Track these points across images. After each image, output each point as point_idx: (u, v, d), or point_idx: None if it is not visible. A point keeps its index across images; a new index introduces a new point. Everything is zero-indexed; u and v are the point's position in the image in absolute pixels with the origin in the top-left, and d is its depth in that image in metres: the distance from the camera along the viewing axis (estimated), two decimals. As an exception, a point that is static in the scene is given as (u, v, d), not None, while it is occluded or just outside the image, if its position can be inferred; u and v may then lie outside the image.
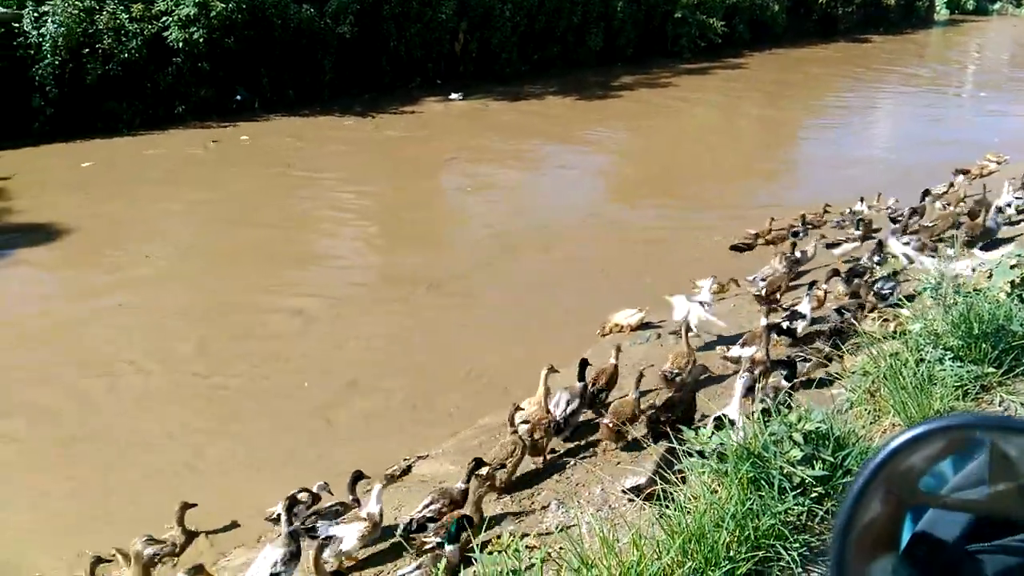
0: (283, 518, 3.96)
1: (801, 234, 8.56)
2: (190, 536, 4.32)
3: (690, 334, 5.62)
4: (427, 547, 3.89)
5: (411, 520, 4.14)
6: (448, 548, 3.69)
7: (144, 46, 13.15)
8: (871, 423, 4.03)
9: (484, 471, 4.21)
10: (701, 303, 6.23)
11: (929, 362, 4.17)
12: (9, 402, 5.89)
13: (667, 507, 3.07)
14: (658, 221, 9.91)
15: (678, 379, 5.23)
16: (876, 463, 0.82)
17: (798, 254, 7.60)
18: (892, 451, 0.81)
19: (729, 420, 3.88)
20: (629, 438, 4.61)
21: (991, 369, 4.31)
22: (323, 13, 14.86)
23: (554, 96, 16.57)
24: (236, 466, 5.18)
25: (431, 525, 4.05)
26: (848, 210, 9.28)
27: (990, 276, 4.90)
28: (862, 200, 9.38)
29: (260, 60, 14.40)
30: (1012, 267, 4.80)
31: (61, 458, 5.26)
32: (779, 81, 18.76)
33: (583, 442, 4.97)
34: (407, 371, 6.30)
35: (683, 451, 3.68)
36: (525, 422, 4.79)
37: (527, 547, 3.09)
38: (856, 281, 6.59)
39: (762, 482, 3.21)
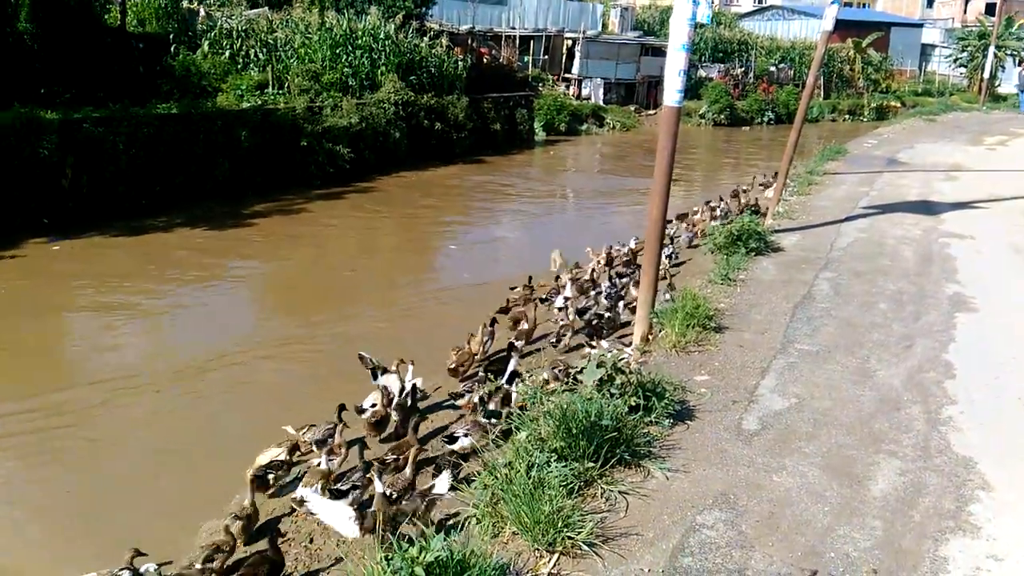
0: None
1: None
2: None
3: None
4: None
5: None
6: None
7: None
8: (493, 536, 4.25)
9: None
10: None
11: (539, 466, 4.53)
12: None
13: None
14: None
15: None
16: None
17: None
18: None
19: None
20: None
21: (591, 464, 4.80)
22: None
23: (183, 228, 15.90)
24: None
25: None
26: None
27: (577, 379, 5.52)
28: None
29: None
30: (598, 367, 5.46)
31: None
32: (406, 200, 19.89)
33: None
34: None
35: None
36: None
37: None
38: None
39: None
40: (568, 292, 10.06)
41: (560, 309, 9.58)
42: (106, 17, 20.87)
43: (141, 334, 10.60)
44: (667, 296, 8.92)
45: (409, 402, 6.76)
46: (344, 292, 12.67)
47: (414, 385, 7.02)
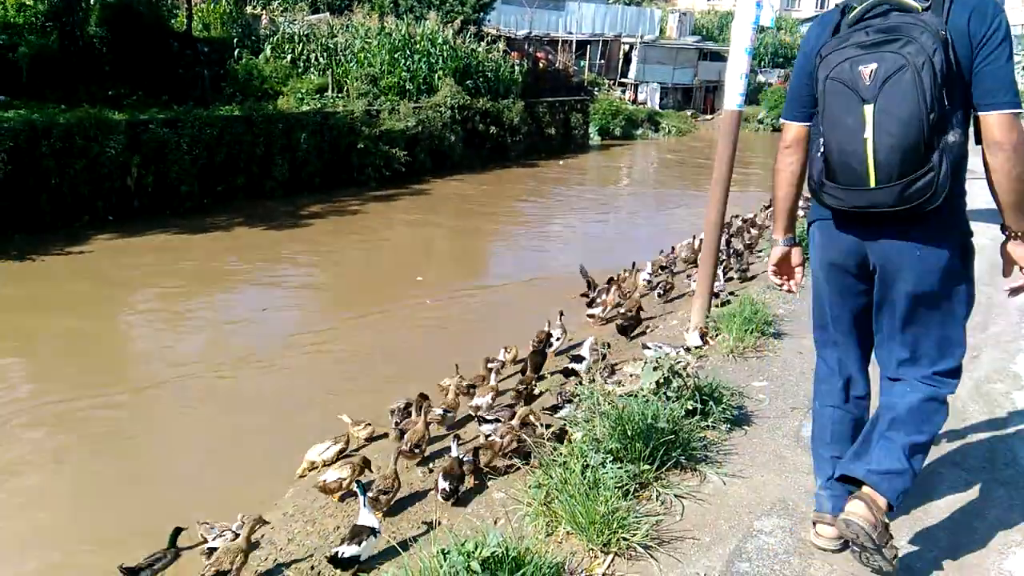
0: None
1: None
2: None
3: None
4: None
5: None
6: None
7: None
8: (547, 535, 4.24)
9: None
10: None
11: (594, 467, 4.50)
12: None
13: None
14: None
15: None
16: None
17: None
18: None
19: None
20: None
21: (646, 466, 4.76)
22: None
23: (243, 227, 16.27)
24: None
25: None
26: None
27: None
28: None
29: None
30: (654, 369, 5.42)
31: None
32: (461, 201, 20.08)
33: None
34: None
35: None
36: None
37: None
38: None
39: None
40: (648, 271, 11.92)
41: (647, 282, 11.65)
42: (173, 22, 21.47)
43: (204, 328, 10.87)
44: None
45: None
46: (407, 285, 12.89)
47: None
